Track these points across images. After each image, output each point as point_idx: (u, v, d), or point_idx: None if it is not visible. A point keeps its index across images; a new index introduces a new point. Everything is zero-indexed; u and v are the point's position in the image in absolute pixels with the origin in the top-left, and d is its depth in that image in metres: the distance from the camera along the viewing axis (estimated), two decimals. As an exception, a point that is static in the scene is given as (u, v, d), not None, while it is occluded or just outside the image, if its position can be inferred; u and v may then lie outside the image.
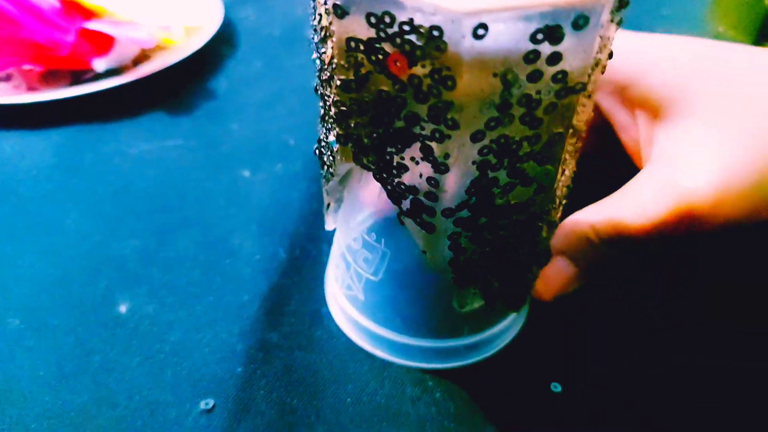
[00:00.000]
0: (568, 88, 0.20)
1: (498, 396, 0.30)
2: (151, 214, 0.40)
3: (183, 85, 0.54)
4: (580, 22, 0.18)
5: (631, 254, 0.28)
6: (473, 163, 0.22)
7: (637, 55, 0.32)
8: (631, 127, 0.32)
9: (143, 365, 0.31)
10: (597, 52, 0.20)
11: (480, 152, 0.21)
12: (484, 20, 0.18)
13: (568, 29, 0.18)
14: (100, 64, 0.53)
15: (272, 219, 0.39)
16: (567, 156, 0.24)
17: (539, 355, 0.32)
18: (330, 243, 0.37)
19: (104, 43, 0.53)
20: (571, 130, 0.22)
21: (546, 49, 0.19)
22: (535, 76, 0.19)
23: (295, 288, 0.35)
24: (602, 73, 0.22)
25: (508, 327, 0.32)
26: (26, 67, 0.54)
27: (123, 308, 0.34)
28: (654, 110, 0.30)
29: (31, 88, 0.53)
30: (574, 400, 0.30)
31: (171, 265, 0.36)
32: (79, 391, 0.30)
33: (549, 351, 0.32)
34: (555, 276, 0.30)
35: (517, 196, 0.23)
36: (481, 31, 0.18)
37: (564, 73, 0.20)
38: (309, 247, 0.38)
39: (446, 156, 0.21)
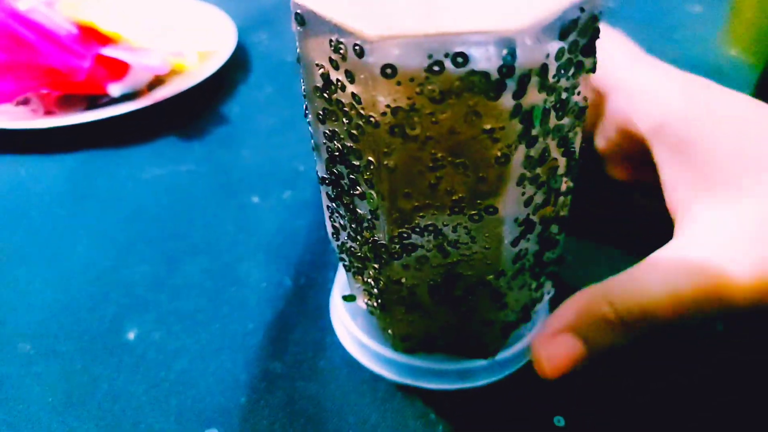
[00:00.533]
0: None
1: (500, 429, 0.30)
2: (161, 241, 0.41)
3: (196, 110, 0.55)
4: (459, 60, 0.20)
5: (650, 336, 0.25)
6: None
7: (706, 110, 0.29)
8: (678, 186, 0.29)
9: (149, 393, 0.32)
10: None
11: None
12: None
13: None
14: (115, 89, 0.54)
15: (279, 246, 0.40)
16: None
17: (543, 387, 0.32)
18: (335, 271, 0.38)
19: (119, 68, 0.54)
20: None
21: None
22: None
23: (299, 316, 0.35)
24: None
25: (521, 352, 0.32)
26: (43, 91, 0.55)
27: (131, 335, 0.34)
28: (704, 178, 0.28)
29: (48, 112, 0.54)
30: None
31: (179, 292, 0.37)
32: (86, 418, 0.31)
33: (553, 383, 0.32)
34: (561, 354, 0.26)
35: None
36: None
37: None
38: (314, 275, 0.38)
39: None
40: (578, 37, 0.22)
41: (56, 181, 0.47)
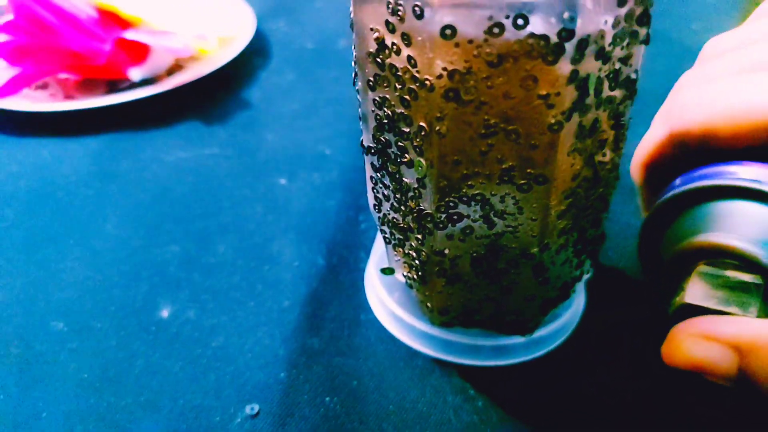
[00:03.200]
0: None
1: (540, 404, 0.30)
2: (190, 220, 0.40)
3: (217, 96, 0.55)
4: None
5: None
6: None
7: None
8: None
9: (186, 369, 0.31)
10: None
11: None
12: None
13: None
14: (135, 74, 0.53)
15: (310, 227, 0.40)
16: None
17: (584, 362, 0.31)
18: (367, 251, 0.37)
19: (140, 52, 0.54)
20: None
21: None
22: None
23: (334, 294, 0.35)
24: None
25: (557, 331, 0.32)
26: (63, 76, 0.55)
27: (165, 313, 0.34)
28: None
29: (67, 97, 0.53)
30: (619, 411, 0.29)
31: (211, 271, 0.37)
32: (123, 393, 0.30)
33: (594, 358, 0.32)
34: (707, 356, 0.22)
35: None
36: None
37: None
38: (346, 255, 0.38)
39: None
40: (635, 5, 0.22)
41: (81, 162, 0.46)
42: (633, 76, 0.24)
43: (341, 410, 0.29)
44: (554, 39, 0.21)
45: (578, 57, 0.21)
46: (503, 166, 0.24)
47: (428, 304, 0.30)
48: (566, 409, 0.29)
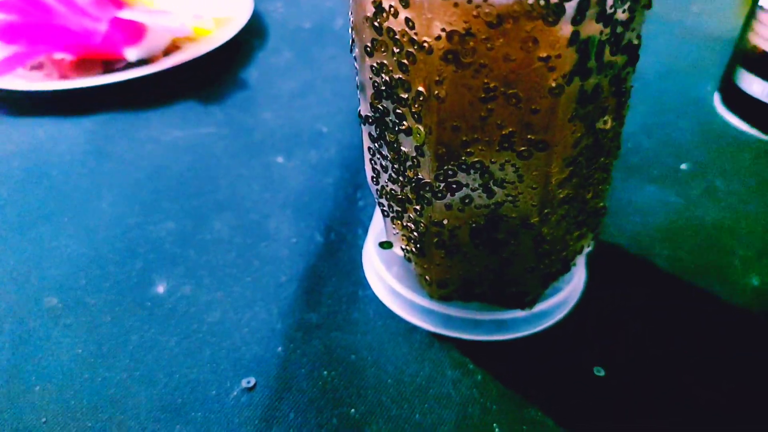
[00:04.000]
0: None
1: (540, 379, 0.29)
2: (186, 198, 0.40)
3: (214, 76, 0.54)
4: None
5: None
6: None
7: None
8: None
9: (181, 344, 0.31)
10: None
11: None
12: None
13: None
14: (131, 54, 0.53)
15: (307, 204, 0.39)
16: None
17: (584, 338, 0.31)
18: (365, 228, 0.37)
19: (136, 32, 0.53)
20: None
21: None
22: None
23: (331, 270, 0.35)
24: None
25: (557, 305, 0.32)
26: (58, 56, 0.54)
27: (160, 288, 0.34)
28: None
29: (63, 77, 0.53)
30: (617, 385, 0.29)
31: (207, 247, 0.36)
32: (118, 368, 0.30)
33: (594, 334, 0.31)
34: None
35: None
36: None
37: None
38: (344, 232, 0.37)
39: None
40: None
41: (76, 142, 0.46)
42: (635, 41, 0.24)
43: (339, 383, 0.29)
44: None
45: (579, 18, 0.21)
46: (503, 132, 0.23)
47: (427, 278, 0.30)
48: (565, 385, 0.29)
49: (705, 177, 0.42)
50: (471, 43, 0.21)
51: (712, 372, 0.29)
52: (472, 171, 0.25)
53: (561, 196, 0.26)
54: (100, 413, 0.28)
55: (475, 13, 0.21)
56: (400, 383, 0.29)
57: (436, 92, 0.23)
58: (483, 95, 0.22)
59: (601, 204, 0.29)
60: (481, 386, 0.29)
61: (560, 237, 0.28)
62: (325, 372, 0.29)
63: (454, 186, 0.25)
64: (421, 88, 0.23)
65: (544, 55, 0.21)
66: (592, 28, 0.21)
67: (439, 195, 0.26)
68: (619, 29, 0.22)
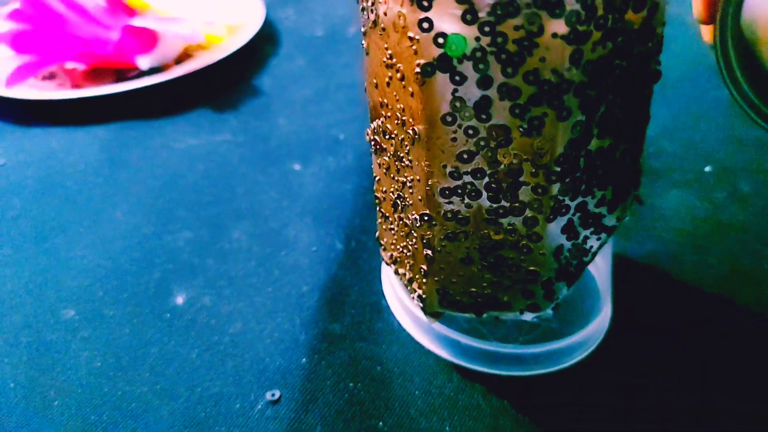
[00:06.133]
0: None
1: (571, 394, 0.28)
2: (202, 207, 0.39)
3: (227, 83, 0.54)
4: None
5: None
6: None
7: None
8: None
9: (203, 357, 0.30)
10: None
11: None
12: None
13: None
14: (144, 62, 0.52)
15: (326, 211, 0.39)
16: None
17: (610, 375, 0.30)
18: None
19: (148, 40, 0.53)
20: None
21: None
22: None
23: (353, 279, 0.34)
24: None
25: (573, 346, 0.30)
26: (70, 65, 0.54)
27: (180, 299, 0.33)
28: None
29: (75, 87, 0.52)
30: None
31: (226, 257, 0.35)
32: (138, 382, 0.29)
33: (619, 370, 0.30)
34: None
35: None
36: None
37: None
38: (364, 240, 0.37)
39: None
40: None
41: (89, 151, 0.45)
42: (545, 75, 0.21)
43: (366, 396, 0.28)
44: None
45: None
46: (398, 105, 0.24)
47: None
48: (595, 402, 0.28)
49: (730, 180, 0.41)
50: None
51: (748, 394, 0.28)
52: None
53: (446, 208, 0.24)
54: (121, 428, 0.27)
55: None
56: (428, 395, 0.28)
57: (365, 44, 0.25)
58: (386, 60, 0.23)
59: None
60: (513, 397, 0.28)
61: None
62: (351, 384, 0.29)
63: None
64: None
65: (411, 35, 0.21)
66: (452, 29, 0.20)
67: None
68: (499, 39, 0.20)
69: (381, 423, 0.27)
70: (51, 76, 0.54)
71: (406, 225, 0.27)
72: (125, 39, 0.52)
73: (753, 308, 0.32)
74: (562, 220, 0.25)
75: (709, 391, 0.28)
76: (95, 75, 0.54)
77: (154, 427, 0.27)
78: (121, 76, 0.53)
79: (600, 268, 0.32)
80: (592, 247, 0.27)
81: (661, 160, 0.43)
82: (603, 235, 0.27)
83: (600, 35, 0.21)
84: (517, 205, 0.24)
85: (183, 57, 0.55)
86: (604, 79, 0.22)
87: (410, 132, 0.23)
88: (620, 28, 0.21)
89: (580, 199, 0.24)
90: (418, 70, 0.21)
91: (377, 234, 0.30)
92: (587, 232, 0.26)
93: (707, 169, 0.42)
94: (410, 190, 0.25)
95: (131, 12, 0.54)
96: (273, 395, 0.28)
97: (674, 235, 0.36)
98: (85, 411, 0.28)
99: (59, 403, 0.28)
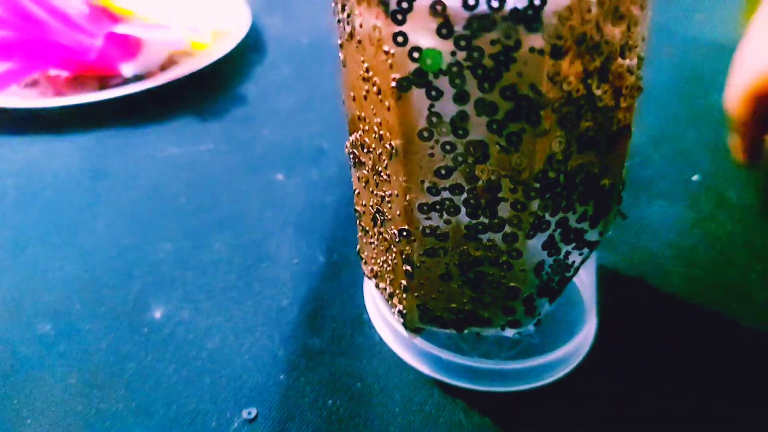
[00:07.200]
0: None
1: (557, 408, 0.28)
2: (184, 217, 0.39)
3: (211, 91, 0.53)
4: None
5: None
6: None
7: None
8: None
9: (180, 372, 0.30)
10: None
11: None
12: None
13: None
14: (128, 69, 0.52)
15: (309, 222, 0.38)
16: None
17: (598, 388, 0.30)
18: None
19: (132, 47, 0.52)
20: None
21: None
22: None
23: (334, 293, 0.33)
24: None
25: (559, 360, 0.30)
26: (53, 73, 0.53)
27: (157, 313, 0.32)
28: None
29: (58, 95, 0.52)
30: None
31: (206, 269, 0.35)
32: (113, 399, 0.29)
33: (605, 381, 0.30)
34: None
35: None
36: None
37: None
38: (347, 252, 0.36)
39: None
40: None
41: (71, 160, 0.45)
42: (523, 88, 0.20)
43: (345, 413, 0.28)
44: None
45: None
46: (375, 118, 0.23)
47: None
48: (579, 418, 0.28)
49: (717, 189, 0.40)
50: None
51: (737, 404, 0.28)
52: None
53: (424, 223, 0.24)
54: (95, 447, 0.27)
55: None
56: (408, 412, 0.28)
57: (342, 56, 0.24)
58: (362, 73, 0.22)
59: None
60: (494, 413, 0.28)
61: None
62: (330, 401, 0.28)
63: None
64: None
65: (386, 48, 0.20)
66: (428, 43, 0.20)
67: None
68: (475, 54, 0.20)
69: (360, 441, 0.27)
70: (33, 84, 0.53)
71: (385, 240, 0.26)
72: (109, 46, 0.51)
73: (741, 319, 0.32)
74: (542, 236, 0.24)
75: (698, 404, 0.28)
76: (78, 82, 0.53)
77: (128, 446, 0.27)
78: (104, 83, 0.53)
79: (584, 281, 0.32)
80: (574, 262, 0.26)
81: (649, 169, 0.42)
82: (585, 251, 0.27)
83: (579, 50, 0.20)
84: (496, 221, 0.23)
85: (167, 64, 0.55)
86: (583, 95, 0.21)
87: (388, 146, 0.23)
88: (599, 43, 0.21)
89: (560, 215, 0.24)
90: (394, 84, 0.21)
91: (358, 247, 0.30)
92: (569, 248, 0.26)
93: (695, 178, 0.41)
94: (389, 205, 0.25)
95: (115, 19, 0.54)
96: (249, 413, 0.28)
97: (661, 246, 0.36)
98: (57, 429, 0.27)
99: (32, 422, 0.28)
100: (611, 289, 0.33)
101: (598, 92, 0.22)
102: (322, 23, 0.64)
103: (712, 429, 0.27)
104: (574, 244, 0.26)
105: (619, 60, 0.22)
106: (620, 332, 0.31)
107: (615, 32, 0.21)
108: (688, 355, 0.30)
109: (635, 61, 0.23)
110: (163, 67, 0.54)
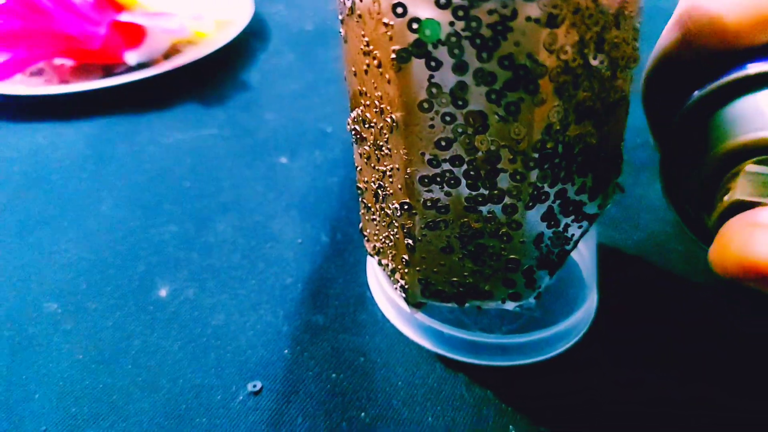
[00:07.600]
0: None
1: (560, 380, 0.28)
2: (188, 200, 0.39)
3: (215, 78, 0.53)
4: None
5: None
6: None
7: None
8: None
9: (185, 349, 0.30)
10: None
11: None
12: None
13: None
14: (132, 57, 0.52)
15: (313, 204, 0.38)
16: None
17: (606, 360, 0.30)
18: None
19: (136, 35, 0.52)
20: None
21: None
22: None
23: (338, 271, 0.34)
24: None
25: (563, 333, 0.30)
26: (58, 61, 0.54)
27: (163, 292, 0.33)
28: None
29: (63, 83, 0.52)
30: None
31: (211, 250, 0.35)
32: (120, 374, 0.29)
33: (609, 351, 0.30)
34: None
35: None
36: None
37: None
38: (350, 232, 0.36)
39: None
40: None
41: (75, 146, 0.45)
42: (529, 61, 0.21)
43: (348, 386, 0.28)
44: None
45: None
46: (376, 93, 0.23)
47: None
48: (580, 392, 0.28)
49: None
50: None
51: (743, 386, 0.28)
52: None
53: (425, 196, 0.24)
54: (102, 421, 0.27)
55: None
56: (411, 385, 0.28)
57: (343, 32, 0.24)
58: (363, 47, 0.23)
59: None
60: (496, 387, 0.28)
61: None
62: (334, 375, 0.28)
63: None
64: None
65: (386, 20, 0.21)
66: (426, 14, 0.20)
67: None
68: (473, 24, 0.20)
69: (363, 414, 0.27)
70: (39, 72, 0.54)
71: (387, 215, 0.26)
72: (112, 34, 0.51)
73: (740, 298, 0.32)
74: (542, 208, 0.24)
75: (700, 382, 0.28)
76: (83, 70, 0.53)
77: (134, 419, 0.27)
78: (109, 71, 0.53)
79: (585, 257, 0.32)
80: (573, 235, 0.27)
81: (650, 149, 0.42)
82: (584, 223, 0.27)
83: (574, 19, 0.20)
84: (496, 192, 0.23)
85: (171, 52, 0.55)
86: (579, 64, 0.22)
87: (388, 120, 0.23)
88: (594, 13, 0.21)
89: (559, 186, 0.24)
90: (393, 56, 0.21)
91: (360, 225, 0.30)
92: (568, 220, 0.26)
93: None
94: (390, 179, 0.25)
95: (119, 7, 0.54)
96: (254, 386, 0.28)
97: (661, 225, 0.36)
98: (66, 403, 0.28)
99: (40, 396, 0.28)
100: (612, 266, 0.33)
101: (594, 62, 0.22)
102: (326, 8, 0.65)
103: (713, 410, 0.27)
104: (573, 217, 0.26)
105: (615, 30, 0.22)
106: (621, 308, 0.31)
107: (610, 2, 0.22)
108: (688, 335, 0.30)
109: (631, 31, 0.23)
110: (167, 55, 0.55)
